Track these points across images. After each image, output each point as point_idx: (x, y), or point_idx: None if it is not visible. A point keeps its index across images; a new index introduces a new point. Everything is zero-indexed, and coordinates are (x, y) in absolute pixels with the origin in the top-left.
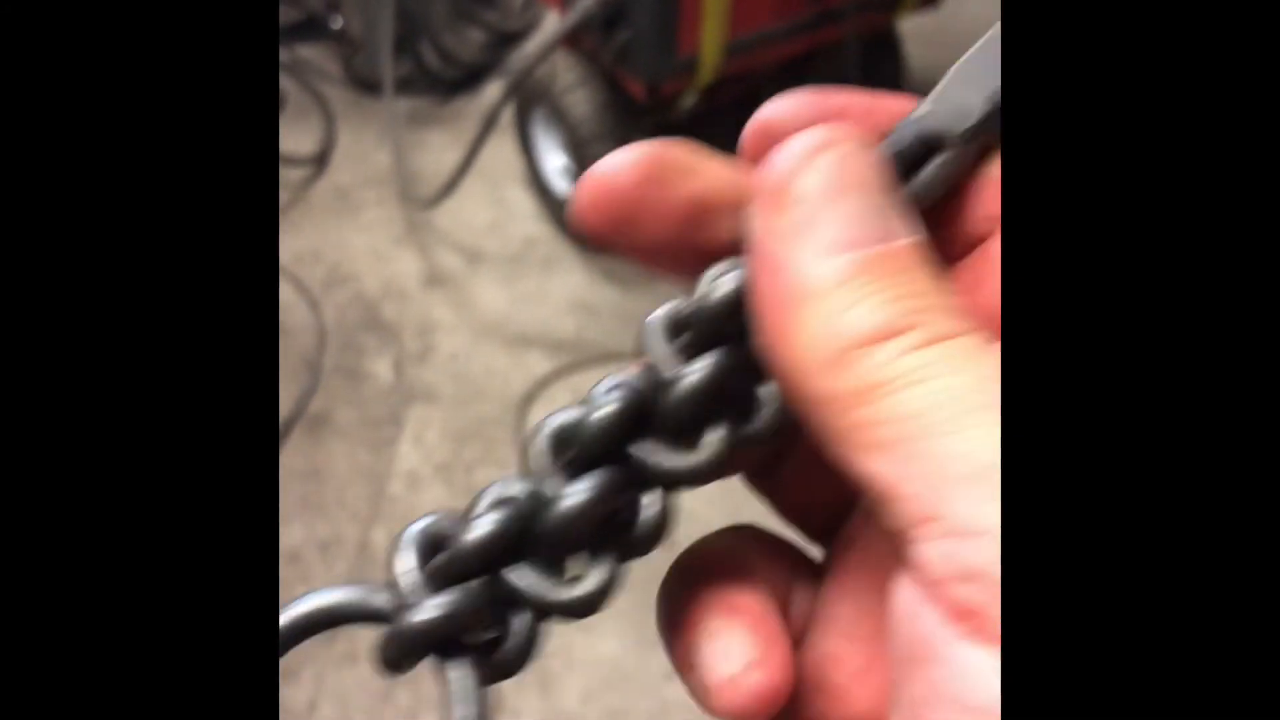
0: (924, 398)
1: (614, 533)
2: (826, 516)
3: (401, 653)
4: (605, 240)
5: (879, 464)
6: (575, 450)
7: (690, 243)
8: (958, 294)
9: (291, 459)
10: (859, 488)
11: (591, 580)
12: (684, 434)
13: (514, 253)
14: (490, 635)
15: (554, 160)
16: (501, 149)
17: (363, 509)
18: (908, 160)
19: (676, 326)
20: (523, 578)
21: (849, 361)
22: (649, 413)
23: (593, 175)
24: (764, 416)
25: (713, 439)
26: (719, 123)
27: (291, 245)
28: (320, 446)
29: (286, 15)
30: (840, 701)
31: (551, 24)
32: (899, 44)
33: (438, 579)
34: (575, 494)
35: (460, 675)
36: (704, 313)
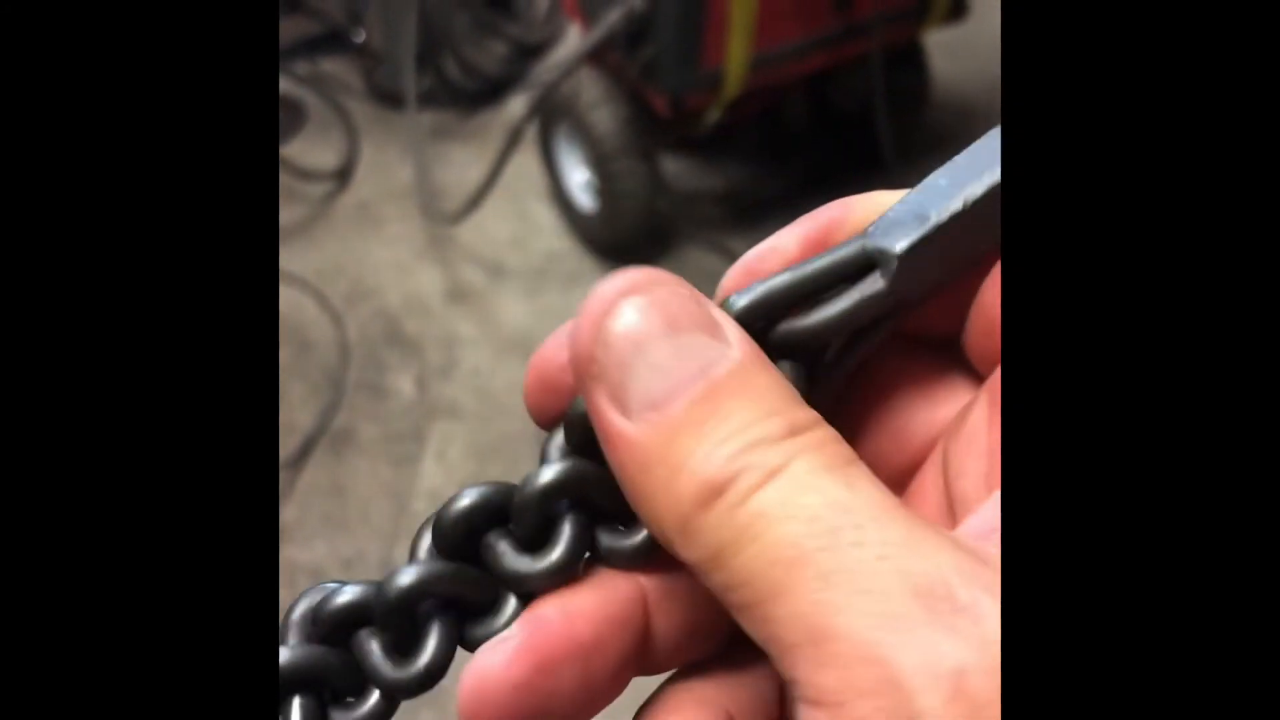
0: (760, 556)
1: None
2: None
3: None
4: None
5: (745, 625)
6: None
7: None
8: (788, 403)
9: (315, 475)
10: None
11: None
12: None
13: (537, 267)
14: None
15: (577, 175)
16: (524, 164)
17: (386, 526)
18: (839, 276)
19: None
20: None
21: (693, 531)
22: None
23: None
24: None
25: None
26: (742, 137)
27: (314, 260)
28: (343, 463)
29: (308, 28)
30: None
31: (574, 37)
32: (924, 57)
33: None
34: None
35: None
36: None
